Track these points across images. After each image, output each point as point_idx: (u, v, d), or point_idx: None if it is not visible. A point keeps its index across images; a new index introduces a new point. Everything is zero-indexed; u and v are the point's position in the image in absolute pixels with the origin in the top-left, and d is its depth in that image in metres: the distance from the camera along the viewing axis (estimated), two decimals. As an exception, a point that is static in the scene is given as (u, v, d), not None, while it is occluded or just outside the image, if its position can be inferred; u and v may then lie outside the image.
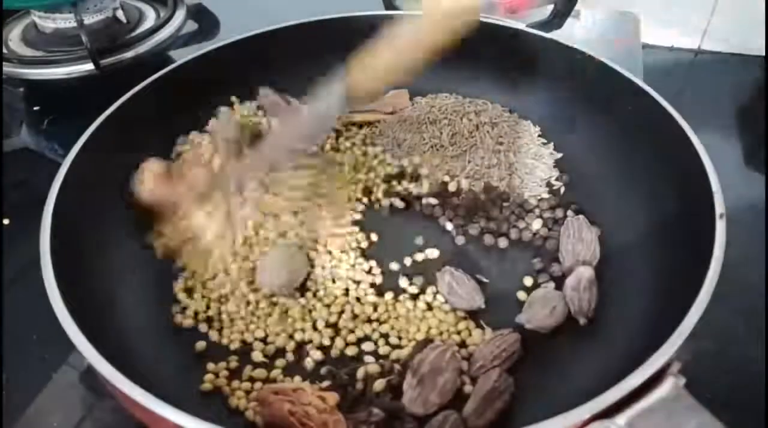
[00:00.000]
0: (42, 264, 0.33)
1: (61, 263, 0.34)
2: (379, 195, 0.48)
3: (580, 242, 0.42)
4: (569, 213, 0.45)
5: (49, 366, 0.39)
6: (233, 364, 0.37)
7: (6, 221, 0.48)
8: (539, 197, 0.47)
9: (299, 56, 0.55)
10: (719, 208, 0.35)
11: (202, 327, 0.39)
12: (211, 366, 0.37)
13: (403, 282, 0.42)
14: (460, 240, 0.45)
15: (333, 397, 0.33)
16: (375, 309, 0.40)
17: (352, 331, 0.39)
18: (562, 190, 0.48)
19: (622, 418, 0.27)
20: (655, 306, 0.37)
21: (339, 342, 0.38)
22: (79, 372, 0.39)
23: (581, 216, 0.44)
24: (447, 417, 0.33)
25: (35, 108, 0.62)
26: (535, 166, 0.49)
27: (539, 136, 0.52)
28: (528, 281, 0.42)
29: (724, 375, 0.38)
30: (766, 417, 0.35)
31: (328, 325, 0.39)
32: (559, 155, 0.50)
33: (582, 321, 0.38)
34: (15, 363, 0.39)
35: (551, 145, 0.51)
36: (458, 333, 0.39)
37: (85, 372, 0.39)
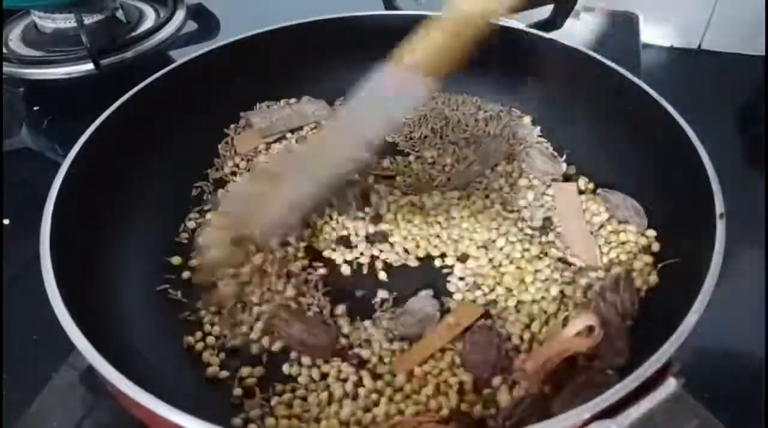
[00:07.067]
0: (42, 264, 0.33)
1: (61, 263, 0.34)
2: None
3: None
4: None
5: (49, 366, 0.39)
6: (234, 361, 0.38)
7: (6, 221, 0.48)
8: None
9: (299, 56, 0.55)
10: (719, 208, 0.35)
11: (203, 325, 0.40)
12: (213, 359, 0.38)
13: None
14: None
15: None
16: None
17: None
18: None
19: (621, 418, 0.27)
20: (655, 305, 0.37)
21: None
22: (79, 372, 0.39)
23: None
24: (522, 400, 0.33)
25: (35, 108, 0.62)
26: (534, 166, 0.49)
27: (539, 136, 0.52)
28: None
29: (724, 375, 0.38)
30: (766, 417, 0.35)
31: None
32: (559, 155, 0.50)
33: (628, 323, 0.37)
34: (15, 363, 0.39)
35: (551, 144, 0.51)
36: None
37: (85, 372, 0.39)
